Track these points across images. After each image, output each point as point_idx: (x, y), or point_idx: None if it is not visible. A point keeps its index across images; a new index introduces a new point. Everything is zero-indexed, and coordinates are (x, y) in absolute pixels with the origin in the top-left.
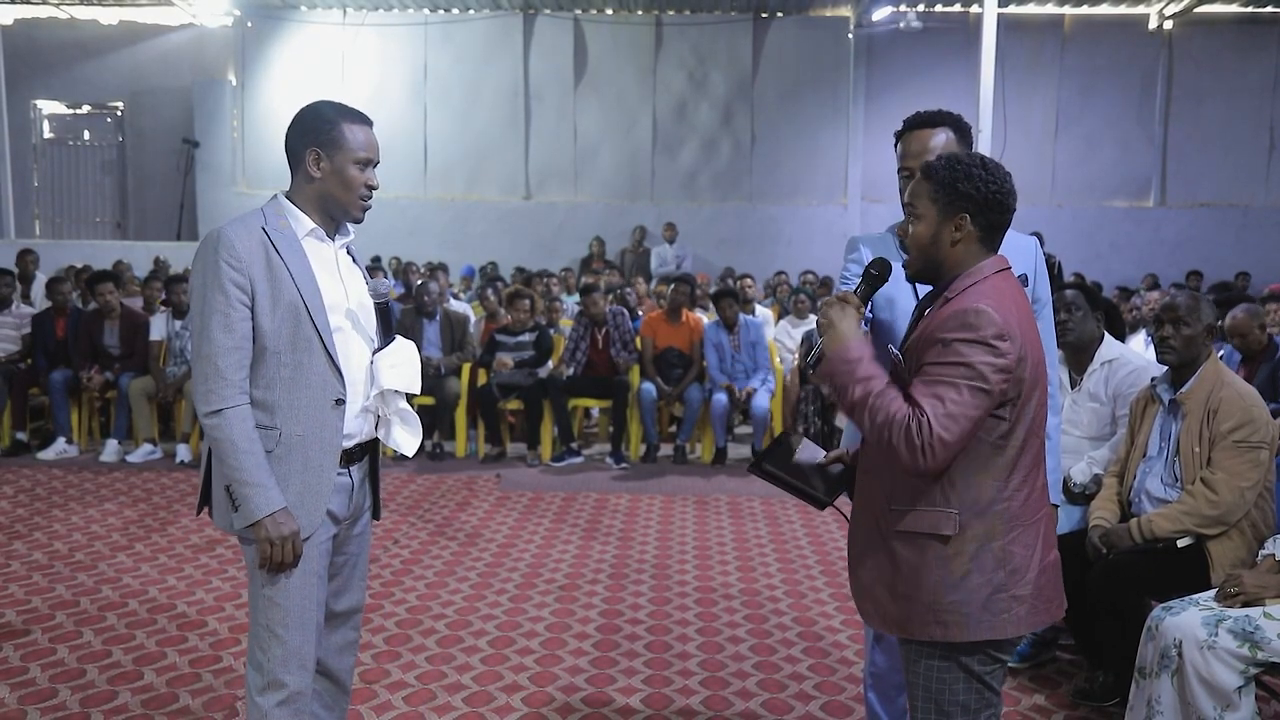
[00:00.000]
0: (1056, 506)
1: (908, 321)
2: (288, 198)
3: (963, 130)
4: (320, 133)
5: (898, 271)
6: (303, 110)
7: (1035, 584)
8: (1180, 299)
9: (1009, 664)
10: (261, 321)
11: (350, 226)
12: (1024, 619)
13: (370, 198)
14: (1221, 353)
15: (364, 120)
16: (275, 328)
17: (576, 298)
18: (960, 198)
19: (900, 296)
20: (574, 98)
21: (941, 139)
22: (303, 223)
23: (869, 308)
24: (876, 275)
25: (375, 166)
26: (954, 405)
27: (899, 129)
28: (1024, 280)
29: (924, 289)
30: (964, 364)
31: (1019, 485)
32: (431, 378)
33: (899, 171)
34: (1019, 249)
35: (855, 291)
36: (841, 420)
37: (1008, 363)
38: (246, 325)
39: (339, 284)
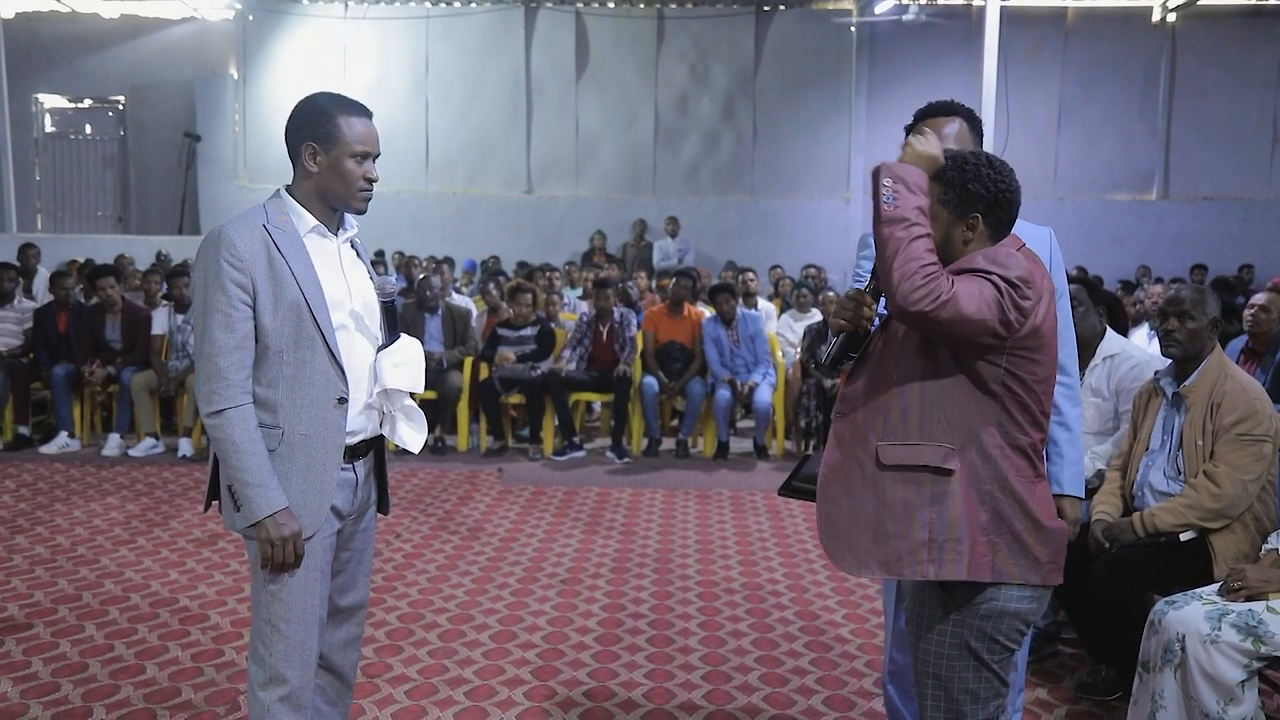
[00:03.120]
0: (1080, 499)
1: None
2: (289, 192)
3: (974, 121)
4: (316, 126)
5: None
6: (300, 103)
7: (1034, 536)
8: (1185, 292)
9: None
10: (264, 320)
11: (352, 220)
12: (1040, 568)
13: (370, 190)
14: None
15: (362, 112)
16: (277, 326)
17: (579, 292)
18: (971, 198)
19: None
20: (575, 91)
21: (954, 128)
22: (305, 219)
23: (883, 304)
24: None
25: (375, 159)
26: (972, 284)
27: (909, 121)
28: None
29: None
30: (985, 275)
31: (1017, 442)
32: (433, 372)
33: None
34: (1034, 240)
35: (866, 289)
36: None
37: (1028, 305)
38: (248, 325)
39: (342, 281)
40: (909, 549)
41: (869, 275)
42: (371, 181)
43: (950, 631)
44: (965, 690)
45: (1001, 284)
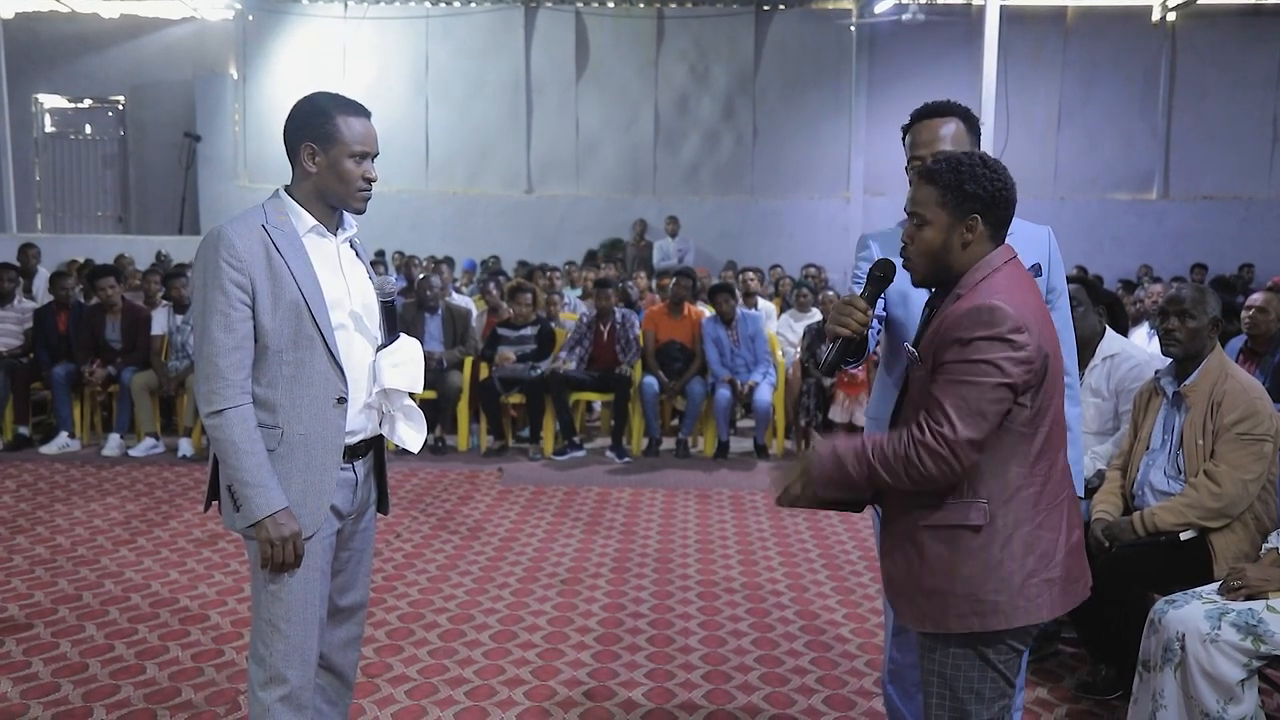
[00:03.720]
0: (1080, 499)
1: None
2: (288, 192)
3: (971, 121)
4: (315, 126)
5: None
6: (298, 103)
7: (1064, 565)
8: (1185, 291)
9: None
10: (263, 320)
11: (352, 220)
12: (1056, 601)
13: (369, 190)
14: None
15: (360, 112)
16: (277, 326)
17: (579, 291)
18: (969, 199)
19: (913, 292)
20: (575, 91)
21: (951, 128)
22: (304, 219)
23: (881, 306)
24: (881, 277)
25: (374, 158)
26: (977, 402)
27: (906, 121)
28: (1037, 270)
29: None
30: (984, 361)
31: (1044, 470)
32: (433, 372)
33: (910, 162)
34: (1032, 239)
35: (861, 295)
36: (834, 414)
37: (1027, 355)
38: (247, 325)
39: (341, 280)
40: (953, 604)
41: (865, 277)
42: (370, 181)
43: (959, 634)
44: (971, 690)
45: (997, 361)
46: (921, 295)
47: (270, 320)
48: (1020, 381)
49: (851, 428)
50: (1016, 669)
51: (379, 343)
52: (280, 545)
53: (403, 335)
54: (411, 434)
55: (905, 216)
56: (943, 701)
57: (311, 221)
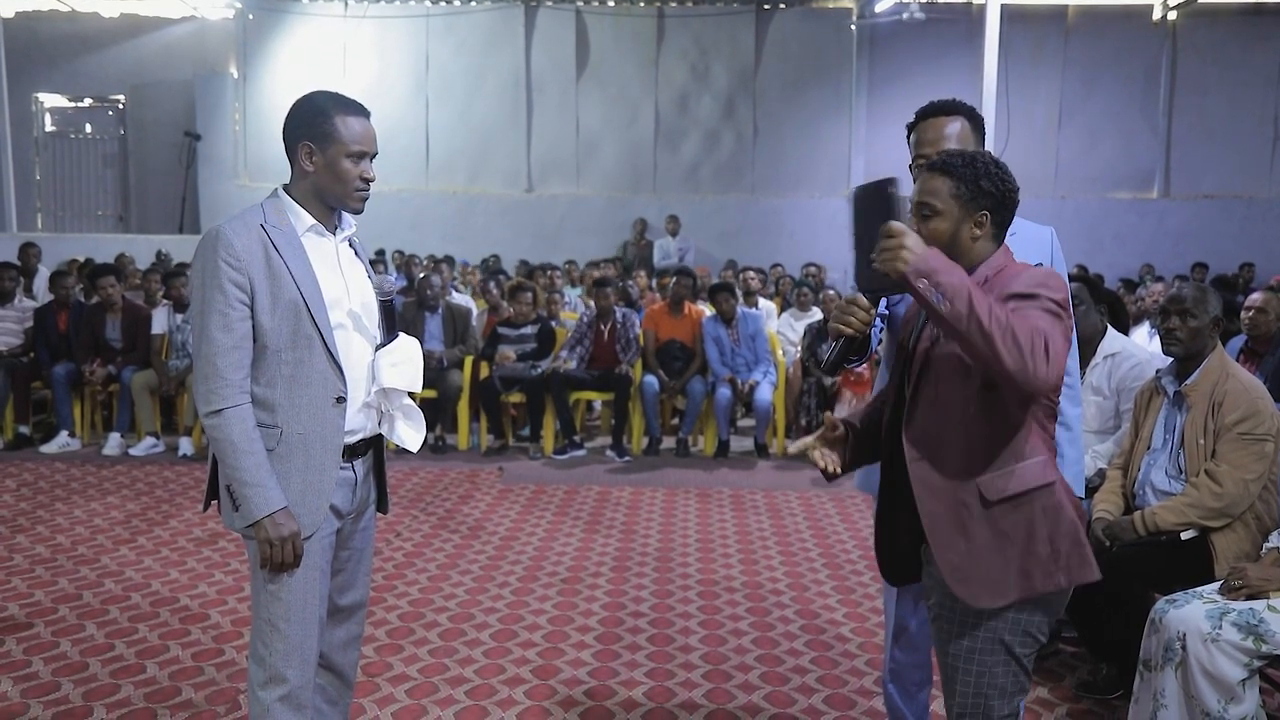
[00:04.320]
0: (1081, 499)
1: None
2: (287, 192)
3: (976, 120)
4: (313, 126)
5: None
6: (297, 102)
7: (1084, 530)
8: (1187, 291)
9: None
10: (261, 320)
11: (350, 219)
12: (1094, 560)
13: (367, 190)
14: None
15: (359, 111)
16: (275, 326)
17: (580, 291)
18: (982, 195)
19: None
20: (576, 90)
21: (956, 127)
22: (302, 219)
23: (883, 305)
24: (884, 275)
25: (372, 158)
26: (1058, 339)
27: (911, 120)
28: None
29: None
30: (1051, 312)
31: (1053, 441)
32: (434, 371)
33: (914, 160)
34: (1034, 239)
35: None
36: (840, 413)
37: (1069, 325)
38: (246, 324)
39: (340, 280)
40: (1038, 564)
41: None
42: (368, 181)
43: (985, 626)
44: (994, 685)
45: (1064, 314)
46: None
47: (269, 320)
48: (1069, 343)
49: None
50: (1033, 661)
51: (378, 342)
52: (279, 545)
53: (401, 334)
54: (410, 433)
55: None
56: (965, 699)
57: (310, 221)
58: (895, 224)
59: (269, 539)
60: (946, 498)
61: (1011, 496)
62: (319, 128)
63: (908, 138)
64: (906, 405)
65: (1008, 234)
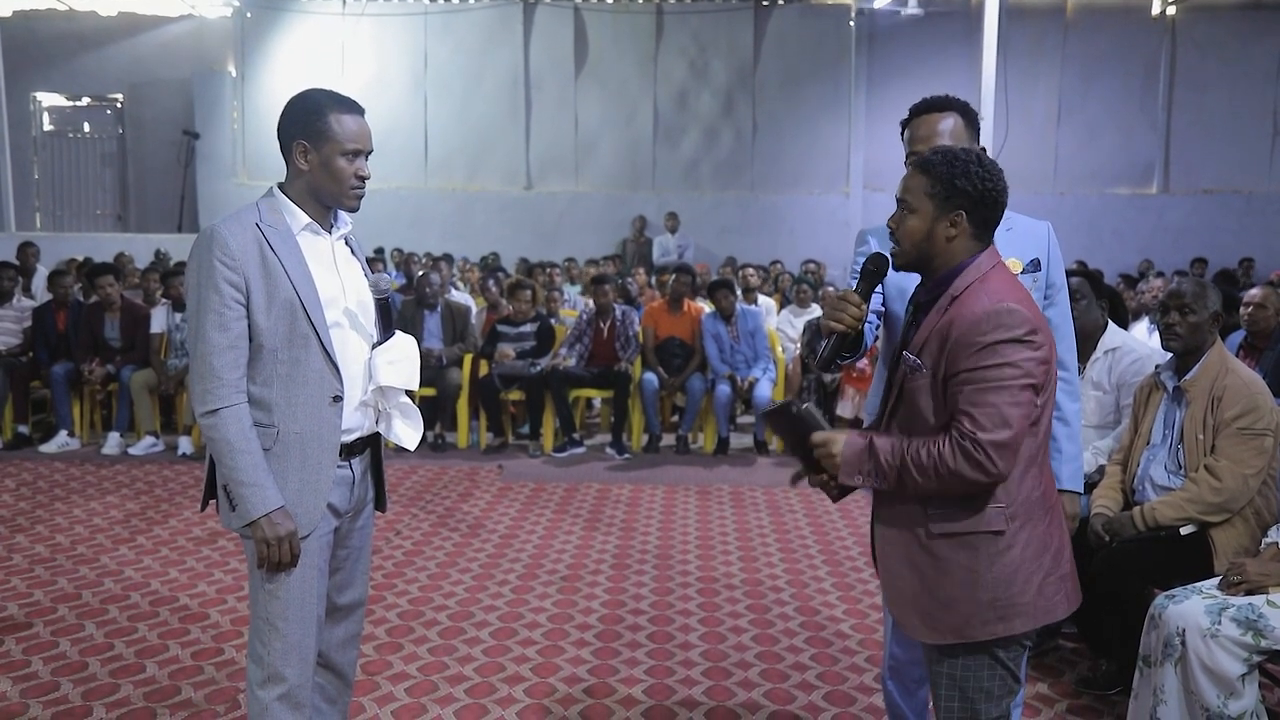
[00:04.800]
0: (1079, 494)
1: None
2: (282, 190)
3: (970, 116)
4: (307, 124)
5: None
6: (291, 100)
7: (1069, 562)
8: (1186, 286)
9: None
10: (257, 319)
11: (347, 217)
12: (1068, 598)
13: (362, 188)
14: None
15: (353, 109)
16: (271, 325)
17: (579, 288)
18: (957, 194)
19: (911, 286)
20: (574, 87)
21: (949, 124)
22: (298, 217)
23: (879, 301)
24: (874, 271)
25: (367, 156)
26: (1009, 408)
27: (905, 116)
28: (1036, 265)
29: None
30: (1009, 364)
31: (1045, 468)
32: (433, 369)
33: (907, 157)
34: (1031, 234)
35: (855, 289)
36: (843, 409)
37: (1045, 354)
38: (241, 324)
39: (336, 278)
40: (976, 612)
41: (859, 273)
42: (363, 179)
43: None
44: (980, 689)
45: (1019, 363)
46: None
47: (265, 319)
48: (1041, 382)
49: (858, 423)
50: (1020, 664)
51: (375, 340)
52: (276, 545)
53: (398, 332)
54: (408, 431)
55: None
56: (951, 702)
57: (306, 219)
58: (815, 436)
59: (266, 539)
60: (898, 520)
61: (952, 535)
62: (313, 126)
63: (902, 134)
64: (885, 419)
65: (1003, 229)
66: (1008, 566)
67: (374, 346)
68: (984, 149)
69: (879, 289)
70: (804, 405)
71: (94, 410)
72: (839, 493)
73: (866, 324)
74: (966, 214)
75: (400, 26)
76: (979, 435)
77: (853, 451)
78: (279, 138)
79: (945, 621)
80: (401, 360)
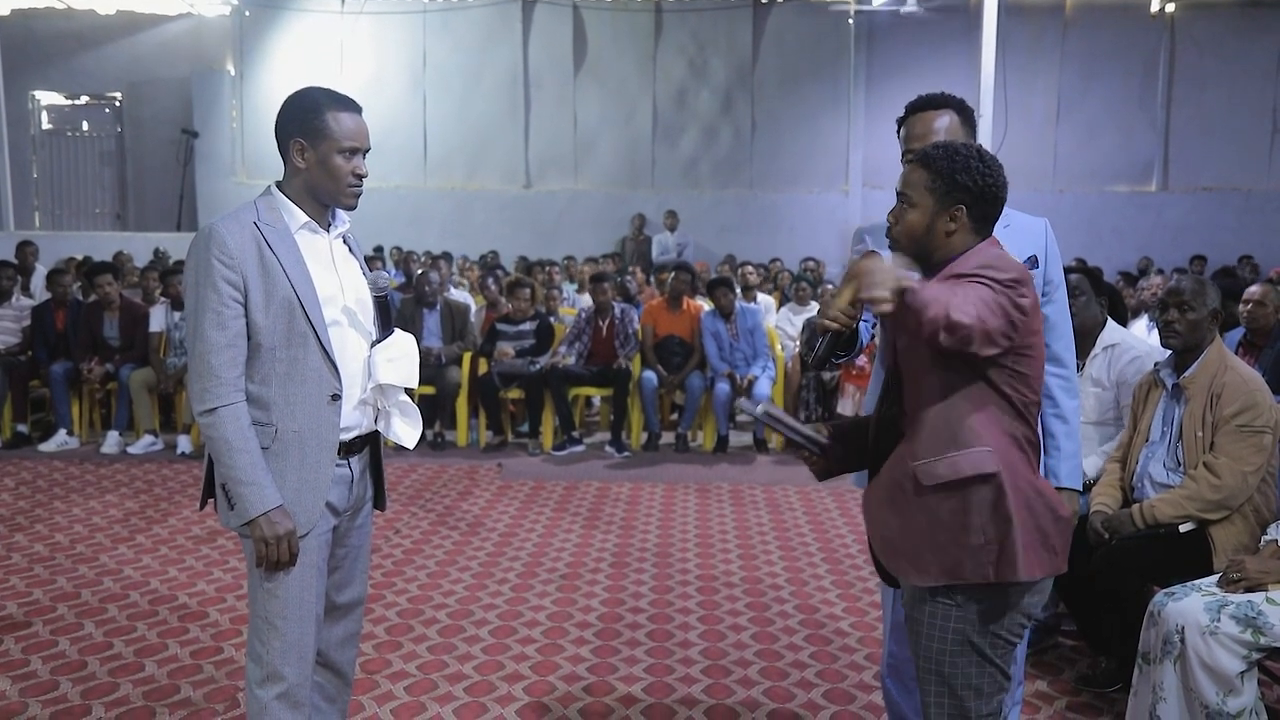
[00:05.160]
0: (1078, 492)
1: None
2: (280, 189)
3: (966, 113)
4: (304, 122)
5: None
6: (288, 98)
7: (1056, 532)
8: (1185, 283)
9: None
10: (255, 318)
11: (345, 215)
12: (1056, 558)
13: (359, 185)
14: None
15: (350, 106)
16: (269, 324)
17: (576, 286)
18: (958, 189)
19: None
20: (574, 85)
21: (945, 121)
22: (296, 216)
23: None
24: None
25: (365, 154)
26: (981, 300)
27: (901, 114)
28: (1034, 262)
29: None
30: (985, 281)
31: (1031, 444)
32: (432, 367)
33: (904, 155)
34: (1028, 230)
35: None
36: (843, 407)
37: (1026, 303)
38: (239, 322)
39: (334, 277)
40: (969, 554)
41: None
42: (361, 177)
43: (951, 630)
44: (969, 686)
45: (998, 286)
46: None
47: (263, 317)
48: (1015, 314)
49: None
50: (1011, 661)
51: (374, 338)
52: (275, 544)
53: (397, 330)
54: (407, 430)
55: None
56: (940, 699)
57: (304, 218)
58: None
59: (264, 537)
60: (887, 476)
61: (945, 484)
62: (310, 124)
63: (898, 132)
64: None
65: (1001, 226)
66: (999, 512)
67: (373, 344)
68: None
69: None
70: (764, 410)
71: (93, 409)
72: (823, 471)
73: (861, 322)
74: (967, 209)
75: (399, 25)
76: (972, 302)
77: (880, 264)
78: (276, 136)
79: (937, 563)
80: (400, 358)
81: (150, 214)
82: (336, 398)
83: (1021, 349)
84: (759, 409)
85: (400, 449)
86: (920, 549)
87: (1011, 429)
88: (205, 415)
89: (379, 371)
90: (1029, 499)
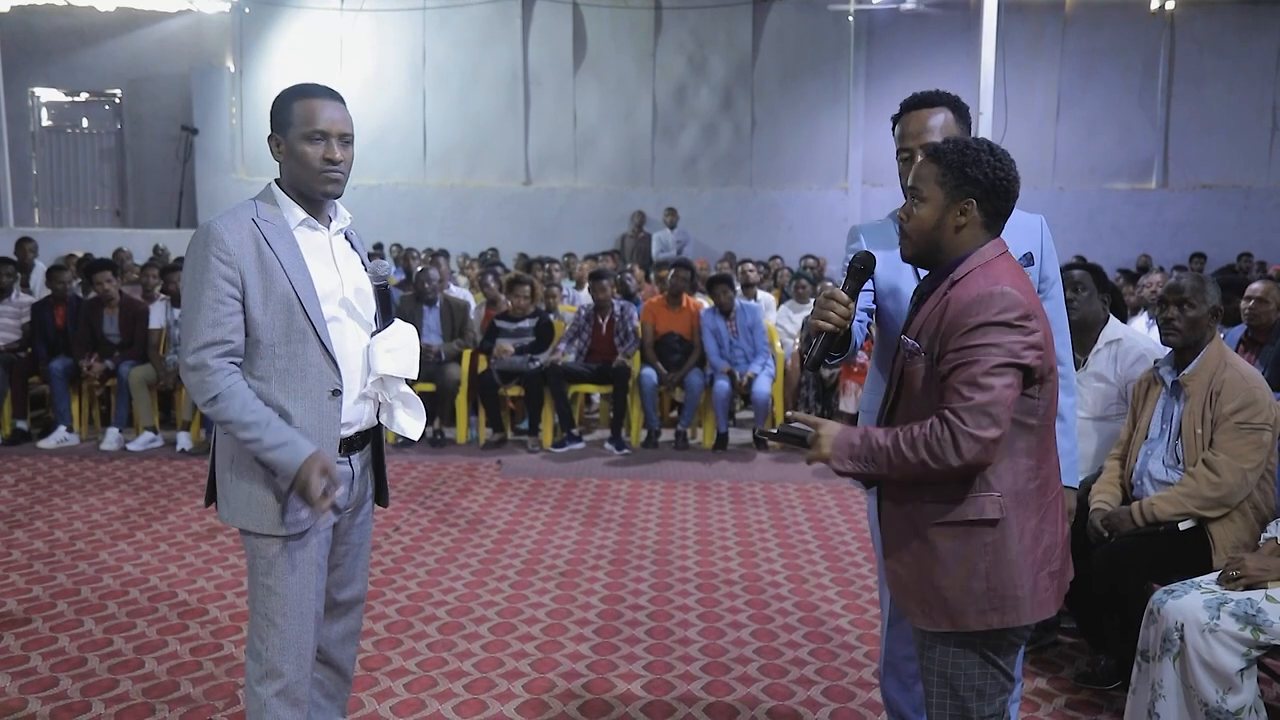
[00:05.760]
0: (1074, 489)
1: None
2: (279, 185)
3: (961, 110)
4: (276, 116)
5: (897, 259)
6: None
7: (1061, 559)
8: (1185, 281)
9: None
10: (254, 314)
11: (345, 212)
12: (1058, 595)
13: (334, 170)
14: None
15: (317, 93)
16: (268, 320)
17: (576, 283)
18: (968, 182)
19: (903, 283)
20: (573, 83)
21: (940, 119)
22: (294, 212)
23: (870, 299)
24: (861, 269)
25: (342, 140)
26: (995, 391)
27: (896, 111)
28: (1030, 259)
29: (925, 272)
30: (996, 345)
31: (1046, 463)
32: (432, 364)
33: (898, 153)
34: (1024, 228)
35: (842, 287)
36: (845, 404)
37: (1037, 340)
38: (235, 319)
39: (334, 272)
40: (971, 601)
41: (846, 271)
42: (333, 162)
43: (955, 634)
44: (972, 687)
45: (1009, 345)
46: (911, 286)
47: (261, 314)
48: (1031, 364)
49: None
50: (1014, 663)
51: (374, 329)
52: (326, 475)
53: (397, 320)
54: (411, 421)
55: (898, 208)
56: (943, 700)
57: (302, 214)
58: (809, 436)
59: (306, 481)
60: (907, 507)
61: (947, 524)
62: (279, 116)
63: (893, 130)
64: (889, 409)
65: None
66: (1002, 557)
67: (373, 335)
68: None
69: (869, 286)
70: (775, 430)
71: (93, 406)
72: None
73: (856, 322)
74: (977, 203)
75: (399, 22)
76: (960, 408)
77: (844, 437)
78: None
79: (940, 609)
80: (400, 348)
81: (150, 211)
82: (337, 393)
83: (1038, 378)
84: (776, 430)
85: (400, 445)
86: (926, 590)
87: (1029, 461)
88: (209, 406)
89: (378, 362)
90: (1039, 539)
